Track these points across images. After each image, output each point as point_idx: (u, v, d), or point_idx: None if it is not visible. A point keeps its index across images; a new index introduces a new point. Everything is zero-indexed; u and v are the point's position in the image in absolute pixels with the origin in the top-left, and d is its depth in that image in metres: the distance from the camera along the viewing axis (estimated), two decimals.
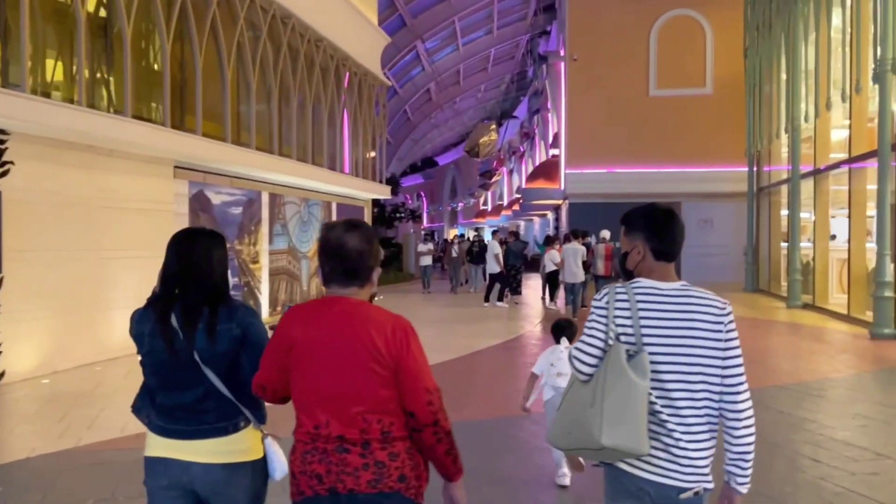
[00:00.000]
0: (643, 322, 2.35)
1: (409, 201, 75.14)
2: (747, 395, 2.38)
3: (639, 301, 2.38)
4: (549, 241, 19.07)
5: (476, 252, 21.22)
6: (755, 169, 22.05)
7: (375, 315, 2.29)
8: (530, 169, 39.37)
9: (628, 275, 2.53)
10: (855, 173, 14.56)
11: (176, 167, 11.24)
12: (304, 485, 2.28)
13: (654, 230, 2.48)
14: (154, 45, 10.51)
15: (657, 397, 2.32)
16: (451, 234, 64.50)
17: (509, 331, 13.34)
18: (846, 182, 16.49)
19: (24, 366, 8.52)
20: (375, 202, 35.38)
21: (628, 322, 2.36)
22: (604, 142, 25.65)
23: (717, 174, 24.71)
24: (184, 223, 11.36)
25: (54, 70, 9.17)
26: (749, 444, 2.37)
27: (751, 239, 22.03)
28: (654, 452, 2.33)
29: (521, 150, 47.02)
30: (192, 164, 11.48)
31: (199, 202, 11.88)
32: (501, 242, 18.50)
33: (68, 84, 9.18)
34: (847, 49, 14.21)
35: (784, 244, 19.92)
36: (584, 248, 15.48)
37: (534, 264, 26.29)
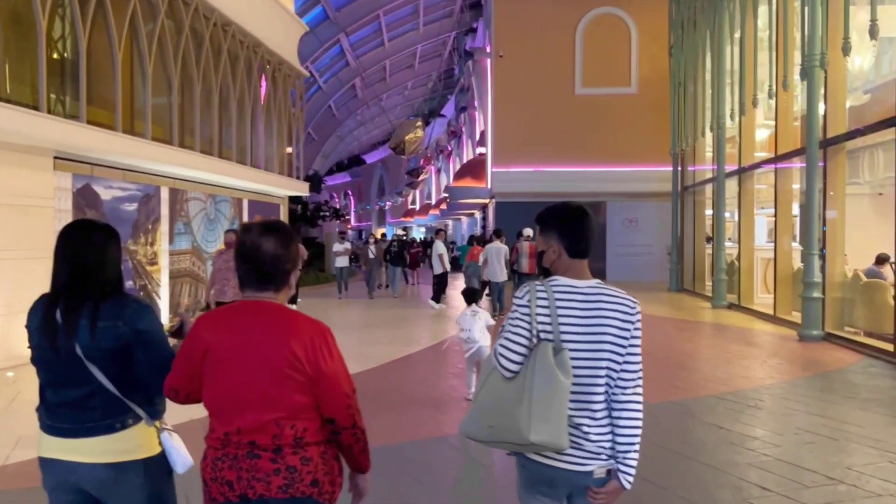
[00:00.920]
0: (561, 319, 2.40)
1: (337, 200, 73.81)
2: (639, 388, 2.46)
3: (557, 299, 2.42)
4: (472, 241, 18.33)
5: (395, 252, 19.90)
6: (679, 168, 21.86)
7: (293, 320, 2.25)
8: (458, 167, 38.69)
9: (546, 272, 2.56)
10: (781, 172, 14.29)
11: (56, 158, 9.96)
12: (215, 492, 2.22)
13: (567, 229, 2.52)
14: (29, 17, 9.20)
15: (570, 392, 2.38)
16: (379, 232, 63.51)
17: (432, 336, 12.49)
18: (771, 181, 16.35)
19: None
20: (297, 200, 34.13)
21: (548, 320, 2.40)
22: (530, 140, 25.17)
23: (641, 173, 24.52)
24: (67, 221, 10.07)
25: None
26: (634, 435, 2.42)
27: (675, 238, 21.83)
28: None
29: (449, 148, 46.34)
30: (75, 154, 10.20)
31: (85, 197, 10.61)
32: (470, 242, 18.10)
33: None
34: (773, 46, 13.92)
35: (709, 243, 19.74)
36: (506, 248, 15.13)
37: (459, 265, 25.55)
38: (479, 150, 31.14)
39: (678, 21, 21.16)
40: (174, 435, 2.56)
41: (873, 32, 10.19)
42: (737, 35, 16.23)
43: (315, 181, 36.82)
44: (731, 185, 17.08)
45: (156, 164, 11.83)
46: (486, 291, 15.27)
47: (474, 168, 30.20)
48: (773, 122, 15.95)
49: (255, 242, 2.27)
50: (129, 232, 11.56)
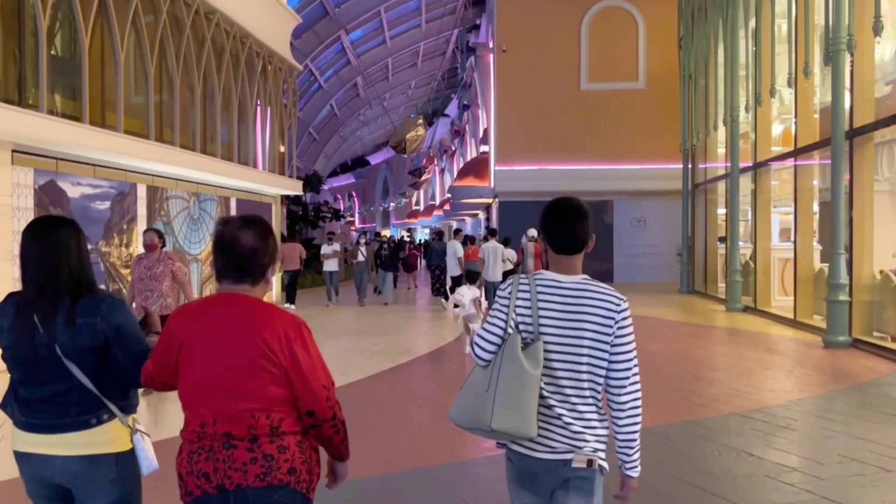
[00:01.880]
0: (541, 312, 2.44)
1: (341, 202, 72.99)
2: (633, 388, 2.46)
3: (539, 292, 2.47)
4: (466, 241, 17.47)
5: (386, 255, 18.07)
6: (690, 165, 20.91)
7: (268, 313, 2.26)
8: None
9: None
10: (801, 167, 13.34)
11: (15, 152, 9.10)
12: (192, 485, 2.22)
13: (549, 224, 2.53)
14: None
15: (546, 384, 2.42)
16: (385, 233, 62.57)
17: (428, 343, 11.59)
18: (785, 177, 15.40)
19: None
20: (297, 201, 33.30)
21: (528, 312, 2.46)
22: (534, 138, 24.24)
23: (649, 171, 23.56)
24: (27, 220, 9.22)
25: None
26: (633, 433, 2.47)
27: (685, 238, 20.87)
28: (546, 435, 2.40)
29: (453, 148, 45.45)
30: (37, 148, 9.34)
31: (49, 194, 9.74)
32: (463, 242, 16.61)
33: None
34: (793, 31, 12.97)
35: (721, 243, 18.79)
36: (502, 247, 14.66)
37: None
38: (483, 148, 30.23)
39: (688, 11, 20.22)
40: (146, 437, 2.56)
41: None
42: (751, 22, 15.31)
43: (314, 181, 35.94)
44: (745, 182, 16.14)
45: (130, 160, 10.97)
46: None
47: (477, 167, 29.30)
48: (788, 117, 15.05)
49: (234, 235, 2.25)
50: (100, 232, 10.70)
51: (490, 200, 27.91)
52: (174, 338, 2.28)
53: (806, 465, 5.28)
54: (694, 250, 20.38)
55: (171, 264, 7.22)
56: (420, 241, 25.17)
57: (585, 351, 2.41)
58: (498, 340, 2.44)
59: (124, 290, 11.25)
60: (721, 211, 18.56)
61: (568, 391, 2.41)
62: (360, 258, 17.63)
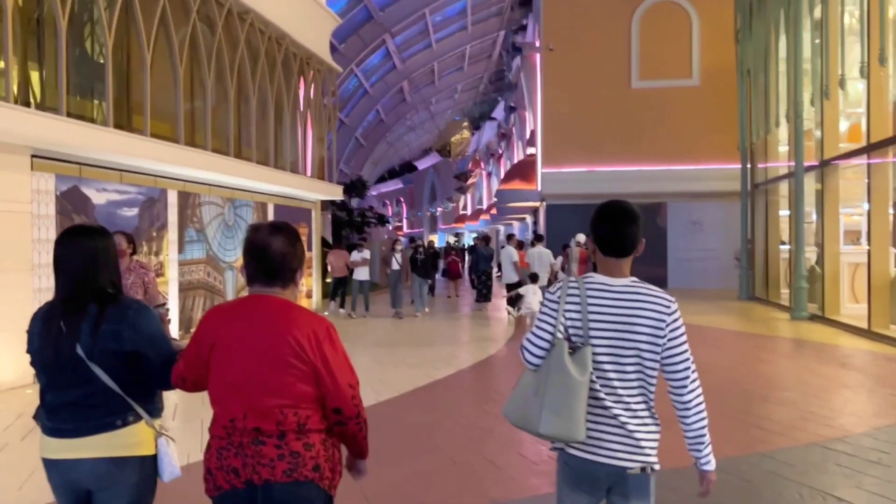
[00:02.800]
0: (591, 316, 2.45)
1: (389, 208, 72.83)
2: (694, 385, 2.48)
3: (589, 296, 2.48)
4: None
5: (421, 261, 16.07)
6: (749, 165, 19.77)
7: (297, 314, 2.34)
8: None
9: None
10: (874, 165, 12.23)
11: (35, 157, 8.70)
12: (221, 479, 2.28)
13: (598, 227, 2.54)
14: None
15: (600, 386, 2.44)
16: (431, 239, 62.01)
17: (471, 354, 10.87)
18: (854, 176, 14.28)
19: None
20: (342, 206, 32.92)
21: (577, 315, 2.47)
22: (582, 138, 23.34)
23: (705, 172, 22.43)
24: (48, 227, 8.84)
25: None
26: (702, 429, 2.51)
27: (745, 242, 19.73)
28: (601, 437, 2.45)
29: (499, 151, 44.65)
30: (58, 153, 8.94)
31: (72, 202, 9.34)
32: (518, 247, 15.54)
33: None
34: (865, 17, 11.91)
35: (784, 247, 17.64)
36: (549, 251, 14.33)
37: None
38: (529, 150, 29.38)
39: (745, 3, 19.14)
40: (171, 443, 2.60)
41: None
42: (816, 10, 14.23)
43: (359, 187, 35.53)
44: (809, 182, 15.04)
45: (159, 165, 10.53)
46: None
47: (523, 170, 28.45)
48: (855, 111, 13.94)
49: (264, 241, 2.37)
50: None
51: (537, 204, 27.05)
52: (206, 337, 2.37)
53: None
54: (754, 254, 19.24)
55: (145, 275, 5.92)
56: (464, 245, 24.03)
57: (637, 353, 2.44)
58: (546, 345, 2.48)
59: None
60: (783, 213, 17.42)
61: (621, 391, 2.45)
62: (395, 266, 16.15)
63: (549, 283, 13.84)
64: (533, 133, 27.94)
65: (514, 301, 14.12)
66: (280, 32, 14.48)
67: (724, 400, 7.54)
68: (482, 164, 49.47)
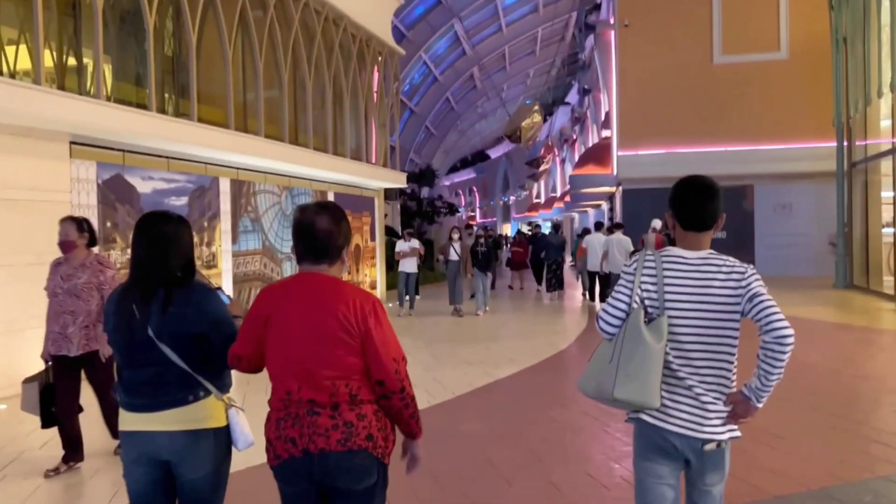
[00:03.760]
0: (667, 287, 2.49)
1: (462, 198, 72.12)
2: (780, 325, 2.38)
3: (665, 268, 2.51)
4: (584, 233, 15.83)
5: (483, 253, 14.17)
6: (846, 142, 18.06)
7: (345, 289, 2.42)
8: None
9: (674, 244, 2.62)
10: None
11: (73, 144, 8.27)
12: (280, 449, 2.39)
13: (678, 201, 2.58)
14: None
15: (675, 357, 2.48)
16: (505, 229, 60.95)
17: (535, 351, 9.97)
18: None
19: None
20: (412, 196, 32.35)
21: (653, 287, 2.50)
22: (661, 119, 21.92)
23: (795, 151, 20.75)
24: (90, 217, 8.35)
25: None
26: (782, 370, 2.41)
27: (841, 226, 18.06)
28: (677, 406, 2.48)
29: (574, 136, 43.19)
30: (99, 140, 8.50)
31: (116, 190, 8.90)
32: (610, 230, 14.36)
33: None
34: None
35: (887, 230, 15.99)
36: (628, 238, 13.76)
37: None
38: (604, 133, 28.05)
39: None
40: (241, 413, 2.72)
41: None
42: None
43: (428, 175, 34.88)
44: None
45: (209, 151, 10.02)
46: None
47: (598, 153, 27.13)
48: None
49: (310, 220, 2.44)
50: None
51: (613, 189, 25.77)
52: (261, 315, 2.45)
53: None
54: (852, 239, 17.58)
55: (100, 273, 4.88)
56: (529, 233, 22.52)
57: (715, 324, 2.46)
58: (622, 315, 2.52)
59: None
60: (888, 194, 15.76)
61: (698, 363, 2.48)
62: (453, 256, 14.28)
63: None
64: (608, 115, 26.64)
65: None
66: (338, 13, 13.84)
67: (831, 406, 6.45)
68: (555, 151, 48.09)
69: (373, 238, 16.34)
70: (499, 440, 5.76)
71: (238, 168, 11.28)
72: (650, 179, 20.75)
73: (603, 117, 28.89)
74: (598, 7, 31.70)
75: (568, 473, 4.89)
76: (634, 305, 2.49)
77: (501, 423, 6.33)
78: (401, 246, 14.25)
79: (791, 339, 2.37)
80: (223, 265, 10.88)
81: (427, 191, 37.49)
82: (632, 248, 13.35)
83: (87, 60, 8.52)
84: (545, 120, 45.20)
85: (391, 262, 16.52)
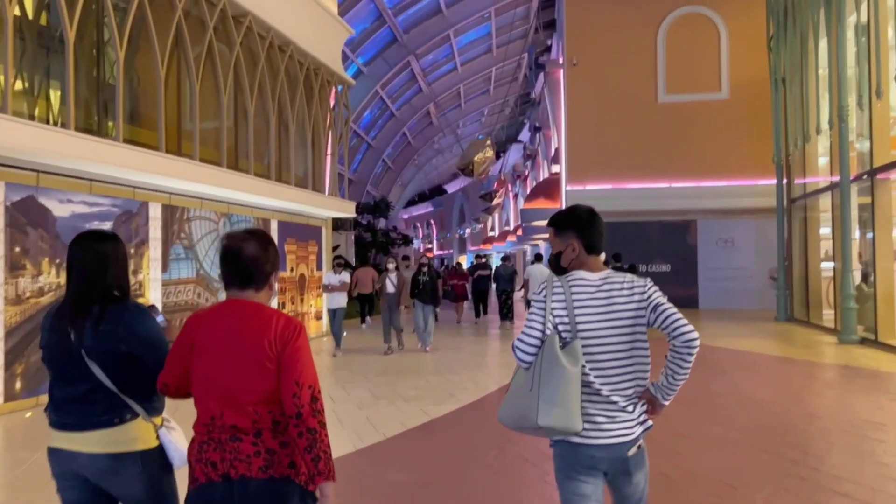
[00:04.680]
0: (577, 311, 2.49)
1: (420, 230, 71.49)
2: (684, 329, 2.42)
3: (573, 292, 2.52)
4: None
5: (425, 283, 12.41)
6: (785, 179, 17.88)
7: (268, 315, 2.32)
8: None
9: (562, 271, 2.63)
10: None
11: None
12: (198, 472, 2.28)
13: (584, 228, 2.61)
14: None
15: (595, 376, 2.47)
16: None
17: (477, 386, 9.19)
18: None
19: None
20: (367, 227, 31.53)
21: (564, 312, 2.50)
22: (608, 155, 21.64)
23: (737, 188, 20.62)
24: None
25: None
26: (689, 370, 2.44)
27: (782, 260, 17.79)
28: (598, 421, 2.46)
29: (525, 172, 43.01)
30: (6, 157, 7.56)
31: (27, 213, 7.95)
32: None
33: None
34: None
35: (826, 265, 15.72)
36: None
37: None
38: (554, 168, 27.74)
39: (778, 8, 17.37)
40: (174, 431, 2.60)
41: None
42: (863, 6, 12.47)
43: (382, 207, 34.17)
44: (854, 195, 13.22)
45: (135, 175, 9.11)
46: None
47: (548, 188, 26.80)
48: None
49: (237, 246, 2.34)
50: None
51: None
52: (186, 341, 2.36)
53: None
54: (792, 273, 17.29)
55: None
56: (470, 264, 21.56)
57: (626, 339, 2.48)
58: (537, 342, 2.48)
59: None
60: (826, 230, 15.51)
61: (616, 378, 2.48)
62: (390, 289, 12.12)
63: None
64: (557, 151, 26.34)
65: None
66: (284, 39, 13.10)
67: (783, 448, 5.80)
68: (508, 185, 47.85)
69: (319, 268, 15.47)
70: (425, 489, 4.95)
71: (171, 193, 10.38)
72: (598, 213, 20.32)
73: (553, 153, 28.62)
74: (548, 49, 31.65)
75: None
76: (548, 332, 2.47)
77: (431, 469, 5.53)
78: (329, 278, 12.19)
79: (697, 342, 2.43)
80: (151, 294, 9.91)
81: (383, 222, 36.72)
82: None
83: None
84: (498, 156, 44.97)
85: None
